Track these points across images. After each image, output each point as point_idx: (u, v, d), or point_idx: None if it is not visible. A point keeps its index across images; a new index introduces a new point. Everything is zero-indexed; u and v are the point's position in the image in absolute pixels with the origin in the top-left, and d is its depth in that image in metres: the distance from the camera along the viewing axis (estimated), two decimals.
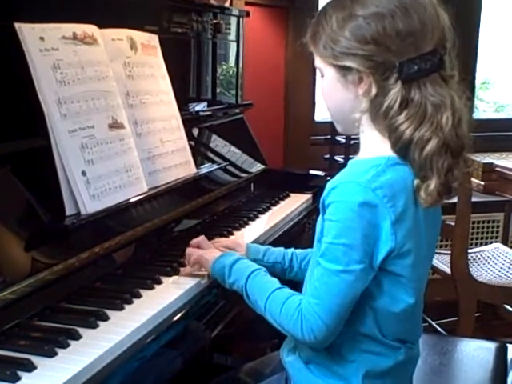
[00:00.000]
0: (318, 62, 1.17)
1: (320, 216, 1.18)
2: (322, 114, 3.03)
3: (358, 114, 1.14)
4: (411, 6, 1.09)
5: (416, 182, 1.10)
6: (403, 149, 1.11)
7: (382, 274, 1.12)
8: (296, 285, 1.28)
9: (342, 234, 1.09)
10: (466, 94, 1.14)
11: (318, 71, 1.20)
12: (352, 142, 2.58)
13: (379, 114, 1.11)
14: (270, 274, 1.27)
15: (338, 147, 2.74)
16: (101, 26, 1.48)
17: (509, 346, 1.77)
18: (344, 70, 1.12)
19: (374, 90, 1.10)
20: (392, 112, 1.09)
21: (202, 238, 1.44)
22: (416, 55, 1.08)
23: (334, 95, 1.17)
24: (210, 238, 1.54)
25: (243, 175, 2.07)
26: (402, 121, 1.08)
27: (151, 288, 1.29)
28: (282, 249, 1.45)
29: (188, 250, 1.40)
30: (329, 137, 2.75)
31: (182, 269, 1.39)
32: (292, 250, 1.44)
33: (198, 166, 1.79)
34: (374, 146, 1.15)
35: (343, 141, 2.69)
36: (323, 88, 1.19)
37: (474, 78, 3.37)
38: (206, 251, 1.37)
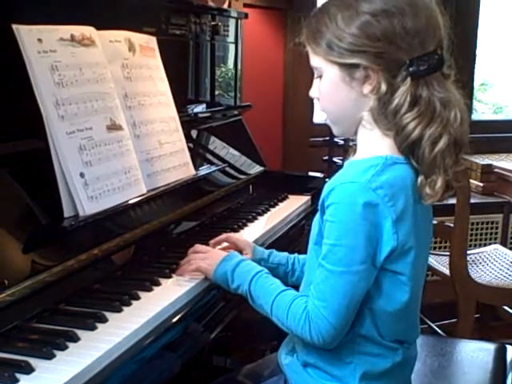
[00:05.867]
0: (318, 62, 1.16)
1: (318, 217, 1.17)
2: (320, 116, 3.02)
3: (363, 112, 1.14)
4: (418, 4, 1.11)
5: (420, 178, 1.11)
6: (409, 147, 1.11)
7: (382, 274, 1.12)
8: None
9: (344, 235, 1.09)
10: (460, 95, 1.15)
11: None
12: (351, 143, 2.58)
13: (386, 113, 1.11)
14: (273, 276, 1.27)
15: (336, 149, 2.74)
16: (99, 27, 1.48)
17: (508, 347, 1.77)
18: (350, 68, 1.12)
19: (383, 88, 1.10)
20: (402, 110, 1.09)
21: (197, 246, 1.43)
22: (423, 53, 1.10)
23: (335, 95, 1.16)
24: (208, 240, 1.54)
25: (242, 177, 2.06)
26: (412, 119, 1.09)
27: (150, 290, 1.28)
28: (285, 253, 1.45)
29: (188, 258, 1.38)
30: (327, 138, 2.75)
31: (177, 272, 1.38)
32: (295, 254, 1.44)
33: (196, 167, 1.79)
34: (372, 145, 1.15)
35: (342, 142, 2.69)
36: (322, 89, 1.18)
37: (472, 80, 3.37)
38: (206, 260, 1.35)
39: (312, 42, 1.16)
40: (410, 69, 1.09)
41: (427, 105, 1.09)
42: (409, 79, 1.09)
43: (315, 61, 1.17)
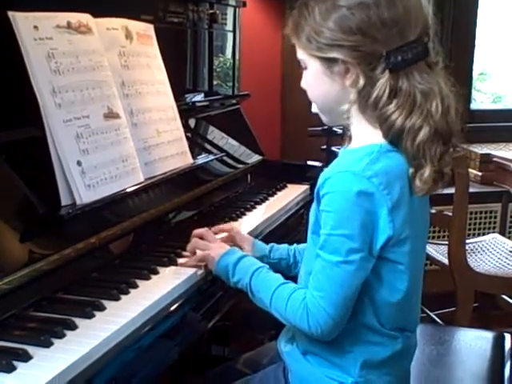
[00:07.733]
0: (301, 54, 1.17)
1: (314, 207, 1.17)
2: None
3: (346, 105, 1.13)
4: None
5: (410, 170, 1.11)
6: (395, 138, 1.11)
7: (381, 263, 1.12)
8: None
9: (340, 224, 1.08)
10: (450, 81, 1.14)
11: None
12: (349, 132, 2.57)
13: (368, 105, 1.10)
14: (275, 270, 1.27)
15: (335, 138, 2.74)
16: (96, 15, 1.47)
17: (506, 335, 1.77)
18: (329, 62, 1.12)
19: (361, 81, 1.09)
20: (382, 102, 1.09)
21: (205, 230, 1.44)
22: (402, 44, 1.08)
23: (319, 88, 1.17)
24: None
25: (240, 166, 2.06)
26: (393, 110, 1.08)
27: (148, 278, 1.28)
28: (285, 245, 1.45)
29: (193, 244, 1.39)
30: (326, 128, 2.74)
31: (181, 260, 1.38)
32: (294, 245, 1.43)
33: (194, 156, 1.78)
34: (366, 134, 1.15)
35: (340, 131, 2.68)
36: (307, 81, 1.19)
37: (471, 69, 3.36)
38: (211, 250, 1.35)
39: (294, 35, 1.16)
40: (388, 61, 1.08)
41: (407, 97, 1.08)
42: (387, 71, 1.08)
43: (299, 53, 1.18)
